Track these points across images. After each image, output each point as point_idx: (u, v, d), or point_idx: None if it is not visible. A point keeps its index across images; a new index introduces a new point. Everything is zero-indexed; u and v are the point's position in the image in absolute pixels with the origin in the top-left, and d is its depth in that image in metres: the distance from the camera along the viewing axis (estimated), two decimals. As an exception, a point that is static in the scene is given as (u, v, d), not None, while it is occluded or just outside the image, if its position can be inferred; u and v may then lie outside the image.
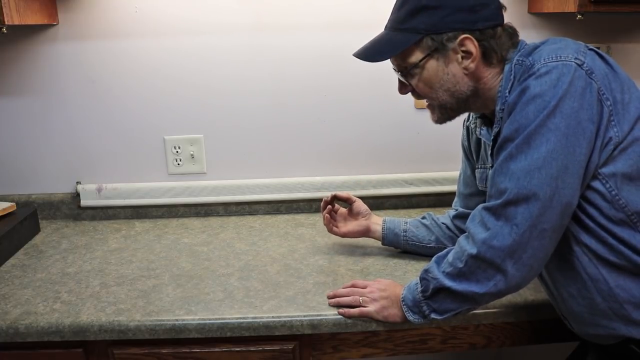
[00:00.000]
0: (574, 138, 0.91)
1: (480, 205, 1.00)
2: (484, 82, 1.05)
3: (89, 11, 1.57)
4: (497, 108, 1.04)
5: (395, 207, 1.72)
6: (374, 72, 1.59)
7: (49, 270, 1.36)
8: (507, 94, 1.02)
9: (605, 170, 0.95)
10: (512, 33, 1.06)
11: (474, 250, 0.97)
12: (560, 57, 0.94)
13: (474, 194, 1.29)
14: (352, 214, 1.40)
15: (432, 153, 1.72)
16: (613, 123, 0.94)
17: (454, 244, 1.09)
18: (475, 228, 0.98)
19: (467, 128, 1.27)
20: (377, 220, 1.39)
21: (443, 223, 1.34)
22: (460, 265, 0.99)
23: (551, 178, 0.92)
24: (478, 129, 1.18)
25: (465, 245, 1.00)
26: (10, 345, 1.14)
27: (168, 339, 1.14)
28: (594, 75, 0.93)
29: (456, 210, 1.34)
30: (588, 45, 0.99)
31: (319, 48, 1.62)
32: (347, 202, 1.41)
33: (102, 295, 1.23)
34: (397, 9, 1.07)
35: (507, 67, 1.03)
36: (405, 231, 1.36)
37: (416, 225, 1.36)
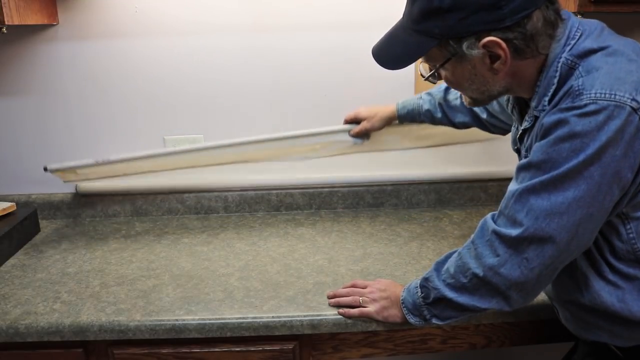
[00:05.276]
0: (607, 187, 0.83)
1: (491, 224, 0.94)
2: (520, 76, 0.93)
3: (89, 11, 1.57)
4: (533, 104, 0.93)
5: (395, 206, 1.72)
6: (374, 72, 1.58)
7: (49, 270, 1.36)
8: (545, 101, 0.90)
9: (632, 213, 0.89)
10: (552, 20, 0.88)
11: (479, 272, 0.94)
12: (616, 96, 0.81)
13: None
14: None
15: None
16: None
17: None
18: (484, 249, 0.94)
19: None
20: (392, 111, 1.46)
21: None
22: (464, 280, 0.96)
23: (572, 225, 0.85)
24: (510, 106, 1.07)
25: (469, 262, 0.96)
26: (10, 345, 1.14)
27: (168, 339, 1.14)
28: None
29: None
30: None
31: (319, 48, 1.62)
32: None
33: (102, 295, 1.23)
34: (410, 1, 0.92)
35: (552, 61, 0.89)
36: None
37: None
